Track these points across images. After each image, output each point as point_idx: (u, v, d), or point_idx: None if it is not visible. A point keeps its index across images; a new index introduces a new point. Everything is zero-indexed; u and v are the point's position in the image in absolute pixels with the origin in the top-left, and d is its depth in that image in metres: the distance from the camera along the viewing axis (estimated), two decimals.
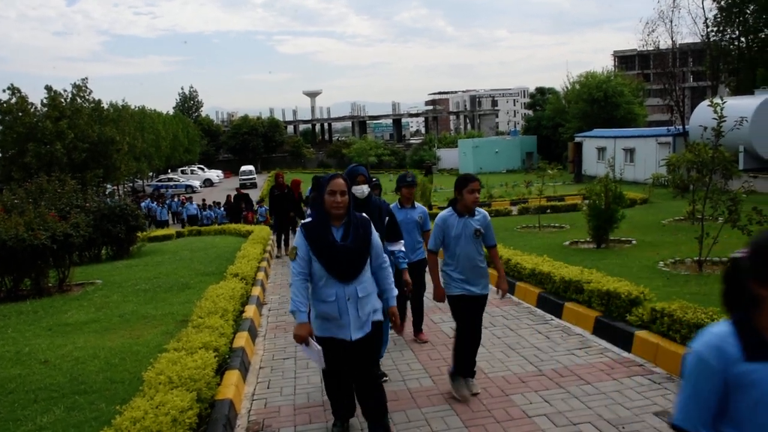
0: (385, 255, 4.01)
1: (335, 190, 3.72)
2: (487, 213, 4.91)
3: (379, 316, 3.91)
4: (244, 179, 50.89)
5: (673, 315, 5.21)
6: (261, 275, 10.21)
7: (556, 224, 14.67)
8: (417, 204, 6.47)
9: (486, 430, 4.23)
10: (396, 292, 4.01)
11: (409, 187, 6.30)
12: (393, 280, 4.01)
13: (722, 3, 28.36)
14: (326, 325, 3.80)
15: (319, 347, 3.74)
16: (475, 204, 4.70)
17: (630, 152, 33.42)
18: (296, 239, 3.80)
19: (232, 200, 24.74)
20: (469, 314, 4.76)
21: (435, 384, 5.21)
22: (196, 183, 51.79)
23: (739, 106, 18.82)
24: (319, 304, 3.80)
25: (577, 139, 41.55)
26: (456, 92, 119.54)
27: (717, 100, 8.91)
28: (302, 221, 3.87)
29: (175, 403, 3.68)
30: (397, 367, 5.70)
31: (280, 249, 13.92)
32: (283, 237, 13.92)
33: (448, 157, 61.44)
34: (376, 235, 3.90)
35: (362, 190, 4.77)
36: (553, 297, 7.31)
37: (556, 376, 5.18)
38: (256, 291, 8.85)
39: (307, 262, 3.72)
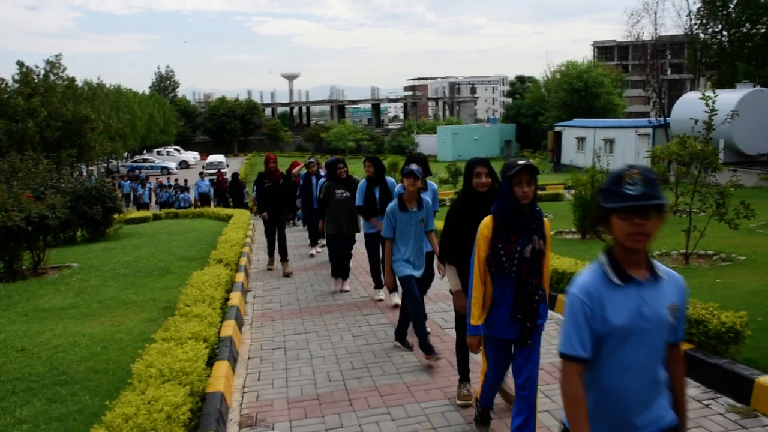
0: None
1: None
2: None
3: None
4: (212, 174, 30.56)
5: None
6: (244, 260, 9.98)
7: None
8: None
9: None
10: None
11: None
12: None
13: None
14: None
15: None
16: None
17: (610, 143, 33.64)
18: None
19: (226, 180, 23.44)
20: None
21: (431, 377, 5.09)
22: (172, 164, 50.85)
23: (720, 100, 18.89)
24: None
25: (557, 129, 41.76)
26: (435, 78, 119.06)
27: (709, 93, 8.89)
28: None
29: (168, 399, 3.48)
30: (391, 360, 5.57)
31: (272, 259, 10.47)
32: (277, 244, 10.15)
33: (426, 143, 61.28)
34: None
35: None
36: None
37: (555, 370, 5.07)
38: (240, 277, 8.63)
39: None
